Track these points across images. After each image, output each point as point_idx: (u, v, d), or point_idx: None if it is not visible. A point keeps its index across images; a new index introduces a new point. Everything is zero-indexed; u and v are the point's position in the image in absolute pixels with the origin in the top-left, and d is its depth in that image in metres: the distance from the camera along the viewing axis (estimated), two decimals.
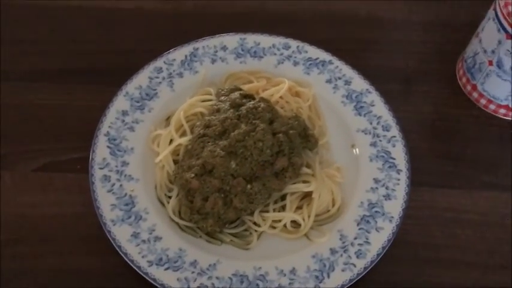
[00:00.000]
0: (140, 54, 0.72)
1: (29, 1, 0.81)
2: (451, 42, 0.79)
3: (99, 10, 0.81)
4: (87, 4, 0.81)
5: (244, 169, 0.59)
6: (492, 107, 0.72)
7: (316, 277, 0.56)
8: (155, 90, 0.68)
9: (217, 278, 0.56)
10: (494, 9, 0.66)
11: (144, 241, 0.57)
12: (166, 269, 0.56)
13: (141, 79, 0.69)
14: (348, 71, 0.71)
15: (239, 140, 0.59)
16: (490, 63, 0.69)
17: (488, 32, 0.68)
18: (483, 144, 0.71)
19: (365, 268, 0.57)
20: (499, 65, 0.68)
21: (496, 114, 0.73)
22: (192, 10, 0.82)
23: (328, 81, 0.71)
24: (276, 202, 0.61)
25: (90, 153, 0.62)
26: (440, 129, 0.72)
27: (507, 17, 0.64)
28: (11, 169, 0.65)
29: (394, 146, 0.65)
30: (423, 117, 0.73)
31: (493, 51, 0.68)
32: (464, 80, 0.75)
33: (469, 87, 0.74)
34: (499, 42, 0.66)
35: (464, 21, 0.80)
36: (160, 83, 0.69)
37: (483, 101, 0.73)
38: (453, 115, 0.73)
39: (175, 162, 0.63)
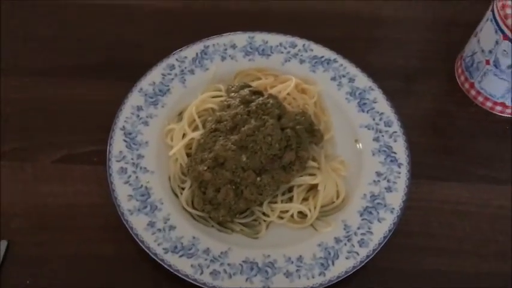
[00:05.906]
0: (152, 50, 0.75)
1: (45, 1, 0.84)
2: (451, 41, 0.82)
3: (112, 7, 0.84)
4: (100, 2, 0.84)
5: (254, 162, 0.62)
6: (489, 104, 0.75)
7: (322, 264, 0.59)
8: (168, 86, 0.71)
9: (228, 264, 0.59)
10: (492, 11, 0.69)
11: (159, 230, 0.60)
12: (181, 256, 0.59)
13: (154, 75, 0.71)
14: (351, 69, 0.74)
15: (249, 134, 0.62)
16: (488, 62, 0.72)
17: (486, 32, 0.71)
18: (480, 140, 0.74)
19: (367, 256, 0.60)
20: (496, 65, 0.71)
21: (493, 111, 0.76)
22: (201, 9, 0.85)
23: (333, 78, 0.74)
24: (283, 194, 0.64)
25: (108, 147, 0.65)
26: (439, 125, 0.75)
27: (504, 19, 0.67)
28: (32, 160, 0.68)
29: (395, 141, 0.68)
30: (423, 114, 0.76)
31: (490, 51, 0.71)
32: (462, 78, 0.78)
33: (467, 85, 0.77)
34: (496, 42, 0.69)
35: (464, 21, 0.82)
36: (172, 79, 0.72)
37: (480, 99, 0.76)
38: (452, 112, 0.76)
39: (188, 155, 0.66)
